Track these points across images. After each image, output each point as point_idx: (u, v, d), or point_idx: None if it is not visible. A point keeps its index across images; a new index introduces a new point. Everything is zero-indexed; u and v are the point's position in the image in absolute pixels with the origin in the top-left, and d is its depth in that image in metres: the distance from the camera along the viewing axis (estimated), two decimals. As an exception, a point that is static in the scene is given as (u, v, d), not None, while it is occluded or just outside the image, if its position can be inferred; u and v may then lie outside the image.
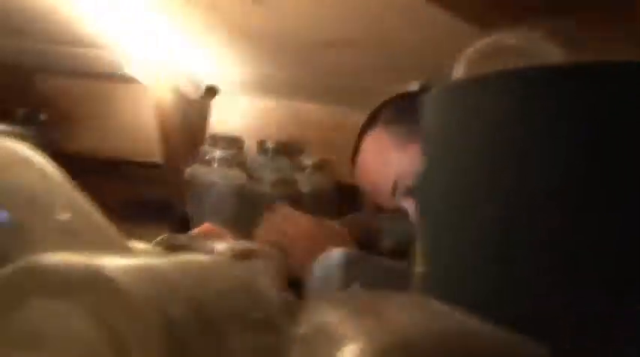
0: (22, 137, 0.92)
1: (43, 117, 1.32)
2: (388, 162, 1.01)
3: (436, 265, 0.43)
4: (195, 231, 1.02)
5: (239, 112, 1.46)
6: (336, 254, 0.65)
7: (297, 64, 0.96)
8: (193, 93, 1.32)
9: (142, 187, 1.32)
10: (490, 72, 0.36)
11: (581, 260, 0.33)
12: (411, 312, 0.32)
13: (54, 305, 0.28)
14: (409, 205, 1.02)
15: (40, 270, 0.29)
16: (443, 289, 0.42)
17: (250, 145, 1.39)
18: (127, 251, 0.46)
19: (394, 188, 1.03)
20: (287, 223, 0.88)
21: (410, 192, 1.01)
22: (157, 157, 1.32)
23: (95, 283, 0.28)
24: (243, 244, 0.70)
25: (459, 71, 0.42)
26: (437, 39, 0.80)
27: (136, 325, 0.28)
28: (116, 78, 1.33)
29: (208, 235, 1.01)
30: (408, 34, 0.81)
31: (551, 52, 0.37)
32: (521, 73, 0.35)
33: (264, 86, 1.14)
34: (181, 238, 0.86)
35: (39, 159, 0.44)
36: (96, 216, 0.44)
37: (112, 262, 0.30)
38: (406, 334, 0.26)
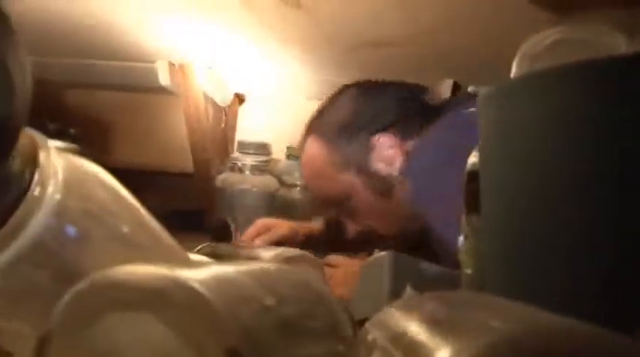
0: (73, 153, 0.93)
1: (73, 131, 1.33)
2: (325, 177, 0.99)
3: (492, 267, 0.42)
4: (252, 229, 1.05)
5: (268, 118, 1.46)
6: (383, 256, 0.65)
7: (335, 66, 0.96)
8: (222, 100, 1.33)
9: (174, 198, 1.32)
10: (562, 64, 0.35)
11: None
12: (489, 312, 0.31)
13: (132, 318, 0.28)
14: (346, 221, 1.04)
15: (118, 283, 0.29)
16: (499, 292, 0.41)
17: (279, 150, 1.39)
18: (187, 263, 0.46)
19: (325, 203, 1.03)
20: (331, 268, 0.90)
21: (345, 212, 1.01)
22: (188, 167, 1.33)
23: (181, 296, 0.28)
24: (288, 251, 0.69)
25: (518, 66, 0.41)
26: (478, 35, 0.80)
27: (219, 337, 0.28)
28: (146, 90, 1.34)
29: (266, 228, 1.04)
30: (447, 32, 0.81)
31: (617, 44, 0.36)
32: (591, 65, 0.34)
33: (297, 89, 1.14)
34: (222, 246, 0.87)
35: (106, 175, 0.45)
36: (158, 230, 0.44)
37: (192, 274, 0.29)
38: (498, 336, 0.26)
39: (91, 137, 1.39)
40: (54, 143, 0.85)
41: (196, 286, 0.27)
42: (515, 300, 0.32)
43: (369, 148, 0.95)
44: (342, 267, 0.89)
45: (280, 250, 0.70)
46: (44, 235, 0.36)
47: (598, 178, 0.34)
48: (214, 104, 1.31)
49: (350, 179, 0.97)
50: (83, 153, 1.15)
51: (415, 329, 0.28)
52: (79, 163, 0.43)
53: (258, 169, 1.28)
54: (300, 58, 1.00)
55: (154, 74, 1.17)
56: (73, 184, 0.40)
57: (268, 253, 0.69)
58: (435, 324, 0.28)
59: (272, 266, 0.46)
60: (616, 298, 0.33)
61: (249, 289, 0.33)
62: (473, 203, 0.47)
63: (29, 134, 0.38)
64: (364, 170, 0.96)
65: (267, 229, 1.05)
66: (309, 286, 0.44)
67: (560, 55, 0.39)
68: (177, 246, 0.47)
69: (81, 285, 0.30)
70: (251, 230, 1.06)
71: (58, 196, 0.37)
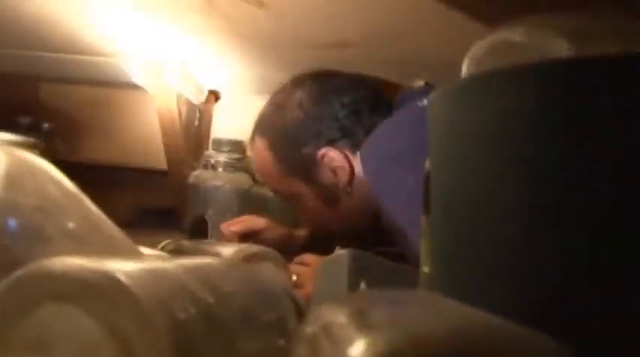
0: (29, 146, 0.92)
1: (47, 126, 1.32)
2: (273, 177, 0.99)
3: (445, 265, 0.43)
4: (236, 221, 1.08)
5: (242, 115, 1.46)
6: (342, 254, 0.65)
7: (298, 65, 0.95)
8: (196, 98, 1.33)
9: (147, 194, 1.32)
10: (501, 68, 0.36)
11: (605, 261, 0.32)
12: (419, 308, 0.31)
13: (65, 309, 0.28)
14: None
15: (51, 275, 0.29)
16: (450, 291, 0.41)
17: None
18: (136, 257, 0.46)
19: (279, 196, 1.04)
20: (303, 266, 0.92)
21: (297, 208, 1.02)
22: (161, 163, 1.32)
23: (106, 287, 0.28)
24: (249, 247, 0.69)
25: (467, 69, 0.42)
26: (440, 39, 0.80)
27: (144, 329, 0.28)
28: (120, 86, 1.33)
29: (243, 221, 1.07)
30: (409, 34, 0.81)
31: (559, 47, 0.37)
32: (535, 67, 0.34)
33: (266, 88, 1.14)
34: (186, 243, 0.87)
35: (52, 169, 0.44)
36: (105, 224, 0.44)
37: (121, 266, 0.30)
38: (414, 331, 0.26)
39: (64, 132, 1.38)
40: (5, 136, 0.84)
41: (120, 277, 0.28)
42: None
43: (315, 161, 0.93)
44: (314, 265, 0.90)
45: (243, 246, 0.70)
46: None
47: (540, 182, 0.34)
48: (188, 102, 1.31)
49: (296, 183, 0.96)
50: (54, 148, 1.15)
51: (340, 323, 0.29)
52: (26, 158, 0.43)
53: (231, 166, 1.28)
54: (265, 57, 1.00)
55: (127, 71, 1.16)
56: (19, 179, 0.40)
57: (230, 249, 0.70)
58: (359, 318, 0.29)
59: (218, 262, 0.46)
60: (561, 313, 0.33)
61: (185, 284, 0.33)
62: (429, 202, 0.48)
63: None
64: (310, 180, 0.95)
65: (243, 221, 1.08)
66: (255, 282, 0.44)
67: (505, 59, 0.40)
68: (127, 241, 0.47)
69: (16, 274, 0.30)
70: (231, 222, 1.08)
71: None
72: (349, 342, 0.25)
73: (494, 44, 0.40)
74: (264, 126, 0.98)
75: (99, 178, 1.27)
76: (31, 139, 1.05)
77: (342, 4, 0.74)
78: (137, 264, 0.32)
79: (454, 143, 0.38)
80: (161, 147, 1.30)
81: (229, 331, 0.34)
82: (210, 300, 0.33)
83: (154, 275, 0.32)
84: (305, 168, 0.94)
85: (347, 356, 0.24)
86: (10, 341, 0.30)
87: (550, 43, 0.38)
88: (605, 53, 0.33)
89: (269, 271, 0.63)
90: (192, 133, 1.33)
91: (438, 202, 0.41)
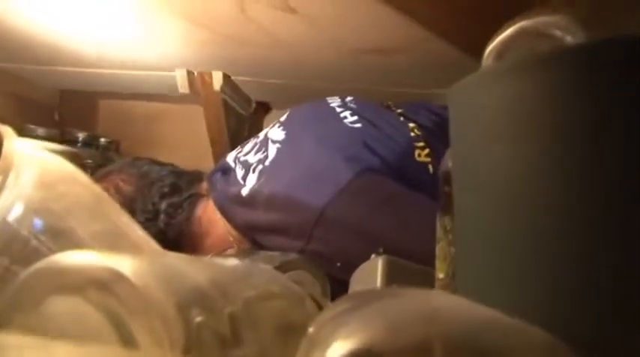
0: (80, 157, 0.95)
1: (103, 141, 1.36)
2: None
3: (465, 270, 0.41)
4: None
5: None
6: (376, 260, 0.64)
7: (342, 74, 0.94)
8: (243, 109, 1.34)
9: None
10: (520, 57, 0.35)
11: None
12: (410, 306, 0.31)
13: (70, 302, 0.29)
14: None
15: (57, 270, 0.30)
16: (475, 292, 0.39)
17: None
18: (152, 257, 0.47)
19: None
20: None
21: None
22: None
23: (109, 280, 0.28)
24: (286, 255, 0.70)
25: (486, 60, 0.41)
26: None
27: (145, 319, 0.28)
28: (172, 99, 1.36)
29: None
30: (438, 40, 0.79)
31: (574, 34, 0.36)
32: (553, 54, 0.33)
33: (303, 97, 1.16)
34: (230, 252, 0.88)
35: (82, 175, 0.46)
36: (134, 230, 0.45)
37: (127, 262, 0.30)
38: (387, 331, 0.25)
39: (120, 147, 1.42)
40: (59, 148, 0.87)
41: (122, 270, 0.28)
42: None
43: None
44: None
45: (277, 253, 0.71)
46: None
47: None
48: (237, 113, 1.32)
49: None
50: (111, 160, 1.17)
51: (327, 321, 0.28)
52: (57, 163, 0.45)
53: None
54: (305, 66, 0.99)
55: (176, 83, 1.19)
56: (50, 182, 0.42)
57: (269, 256, 0.70)
58: (336, 319, 0.28)
59: (241, 266, 0.46)
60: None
61: (199, 283, 0.33)
62: (447, 205, 0.46)
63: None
64: None
65: None
66: (278, 287, 0.44)
67: (525, 48, 0.39)
68: (156, 247, 0.48)
69: (29, 270, 0.31)
70: None
71: (28, 190, 0.39)
72: (330, 340, 0.24)
73: (511, 38, 0.39)
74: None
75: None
76: (87, 151, 1.09)
77: (382, 7, 0.72)
78: (143, 260, 0.33)
79: (479, 131, 0.37)
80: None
81: (247, 335, 0.34)
82: (226, 303, 0.33)
83: (165, 274, 0.32)
84: None
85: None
86: (28, 330, 0.31)
87: (565, 30, 0.37)
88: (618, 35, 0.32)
89: (297, 277, 0.63)
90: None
91: (469, 202, 0.39)
